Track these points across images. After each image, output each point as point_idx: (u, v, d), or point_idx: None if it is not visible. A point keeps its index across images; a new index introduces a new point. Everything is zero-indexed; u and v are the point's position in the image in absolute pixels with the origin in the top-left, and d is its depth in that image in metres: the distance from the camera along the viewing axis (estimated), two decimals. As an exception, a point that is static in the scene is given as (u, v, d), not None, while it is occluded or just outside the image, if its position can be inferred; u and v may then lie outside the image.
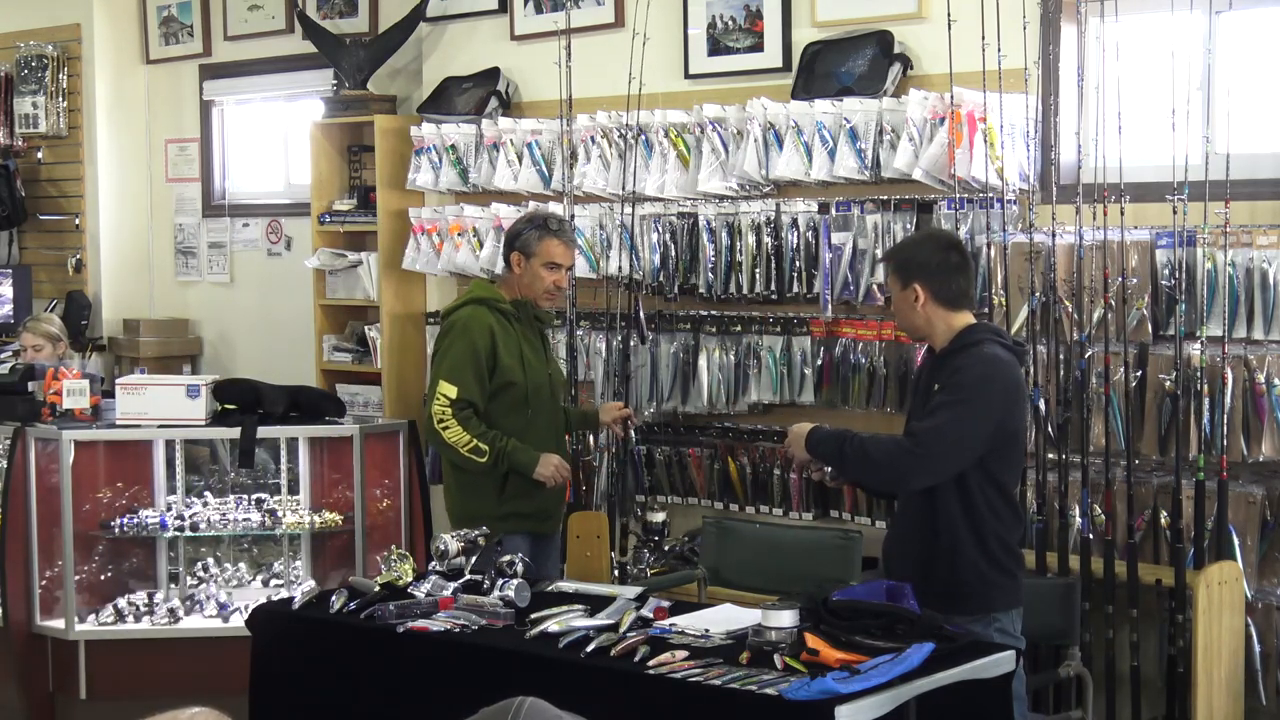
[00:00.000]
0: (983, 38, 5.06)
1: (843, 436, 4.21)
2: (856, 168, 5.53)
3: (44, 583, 5.97)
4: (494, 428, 5.12)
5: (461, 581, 4.57)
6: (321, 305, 7.24)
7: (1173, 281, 4.97)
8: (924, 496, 4.19)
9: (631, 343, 6.11)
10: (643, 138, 6.08)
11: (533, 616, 4.24)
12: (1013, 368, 4.23)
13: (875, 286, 5.58)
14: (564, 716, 2.01)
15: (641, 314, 6.07)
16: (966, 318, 4.28)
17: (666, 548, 5.92)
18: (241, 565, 6.29)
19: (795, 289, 5.77)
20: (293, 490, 6.15)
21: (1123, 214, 4.94)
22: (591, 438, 6.22)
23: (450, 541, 4.74)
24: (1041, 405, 5.13)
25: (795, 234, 5.78)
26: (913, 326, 4.36)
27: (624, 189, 6.10)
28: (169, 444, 6.10)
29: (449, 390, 5.09)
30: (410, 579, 4.61)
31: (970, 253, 4.65)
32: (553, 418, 5.33)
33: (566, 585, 4.71)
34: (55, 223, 8.49)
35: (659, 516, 5.64)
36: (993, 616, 4.17)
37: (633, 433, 6.02)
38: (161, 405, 5.94)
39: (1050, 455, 5.14)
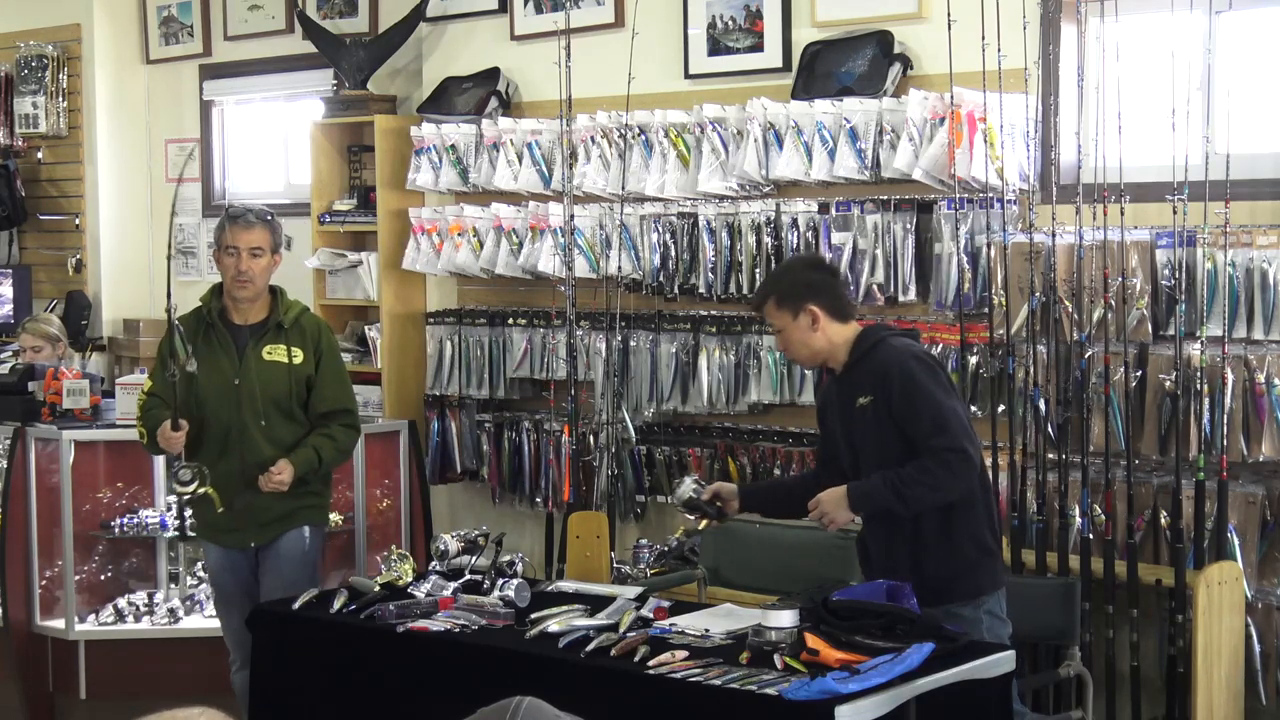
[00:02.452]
0: (983, 38, 5.06)
1: (888, 483, 4.14)
2: (856, 168, 5.53)
3: (44, 583, 5.98)
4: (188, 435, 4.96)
5: (461, 581, 4.57)
6: (321, 305, 7.23)
7: (1173, 281, 4.97)
8: None
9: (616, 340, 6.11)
10: (642, 138, 6.08)
11: (533, 616, 4.25)
12: (923, 349, 4.40)
13: (875, 286, 5.58)
14: (562, 716, 2.01)
15: None
16: (856, 327, 4.36)
17: (667, 548, 5.92)
18: (241, 565, 6.29)
19: (795, 289, 5.77)
20: (293, 490, 6.14)
21: (1123, 214, 4.94)
22: (591, 438, 6.23)
23: (450, 541, 4.75)
24: (1041, 405, 5.13)
25: (795, 234, 5.78)
26: (813, 353, 4.36)
27: (624, 189, 6.10)
28: (169, 444, 6.10)
29: (146, 384, 5.12)
30: (410, 579, 4.61)
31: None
32: (240, 429, 5.00)
33: (566, 585, 4.71)
34: (55, 223, 8.49)
35: None
36: (981, 599, 4.18)
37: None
38: (161, 405, 5.93)
39: (1050, 455, 5.14)
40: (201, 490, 4.90)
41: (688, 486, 4.50)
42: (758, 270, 5.84)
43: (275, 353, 5.08)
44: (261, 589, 5.10)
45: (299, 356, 5.09)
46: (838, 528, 4.28)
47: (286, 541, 5.10)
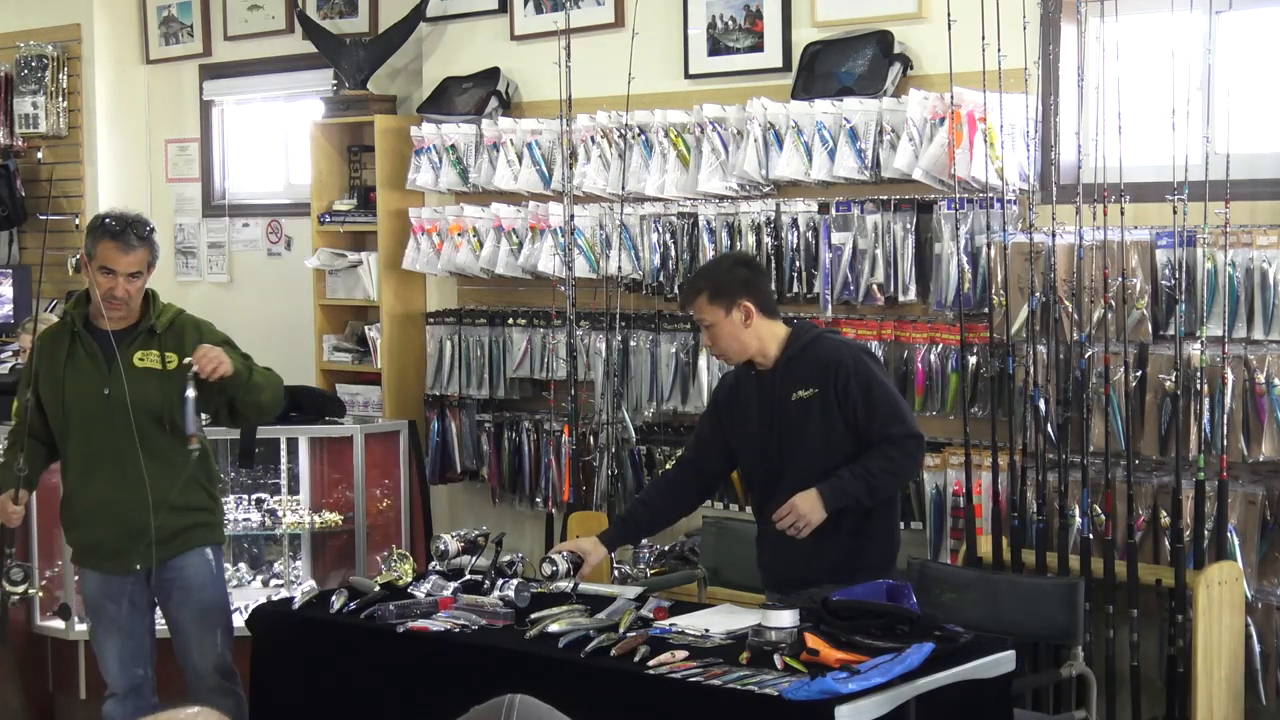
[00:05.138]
0: (983, 38, 5.06)
1: (858, 476, 4.30)
2: (856, 168, 5.53)
3: (44, 583, 5.97)
4: (63, 455, 4.70)
5: (461, 581, 4.57)
6: (321, 305, 7.24)
7: (1173, 281, 4.97)
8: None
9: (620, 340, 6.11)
10: (642, 138, 6.08)
11: (533, 616, 4.24)
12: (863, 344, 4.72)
13: (875, 286, 5.58)
14: (555, 713, 2.01)
15: None
16: (784, 325, 4.47)
17: (667, 548, 5.93)
18: (241, 565, 6.29)
19: (795, 289, 5.77)
20: (293, 490, 6.16)
21: (1123, 214, 4.94)
22: (591, 438, 6.23)
23: (450, 541, 4.75)
24: (1041, 405, 5.13)
25: (795, 234, 5.78)
26: (743, 348, 4.45)
27: (624, 189, 6.10)
28: (169, 444, 6.09)
29: (15, 405, 4.69)
30: (410, 579, 4.61)
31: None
32: (114, 443, 4.61)
33: (566, 585, 4.71)
34: (55, 223, 8.48)
35: None
36: None
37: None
38: (161, 405, 5.92)
39: (1050, 455, 5.14)
40: (31, 593, 4.79)
41: (551, 567, 4.50)
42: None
43: (147, 359, 4.61)
44: (172, 620, 4.87)
45: (173, 362, 4.61)
46: (812, 529, 4.31)
47: (190, 568, 4.79)
